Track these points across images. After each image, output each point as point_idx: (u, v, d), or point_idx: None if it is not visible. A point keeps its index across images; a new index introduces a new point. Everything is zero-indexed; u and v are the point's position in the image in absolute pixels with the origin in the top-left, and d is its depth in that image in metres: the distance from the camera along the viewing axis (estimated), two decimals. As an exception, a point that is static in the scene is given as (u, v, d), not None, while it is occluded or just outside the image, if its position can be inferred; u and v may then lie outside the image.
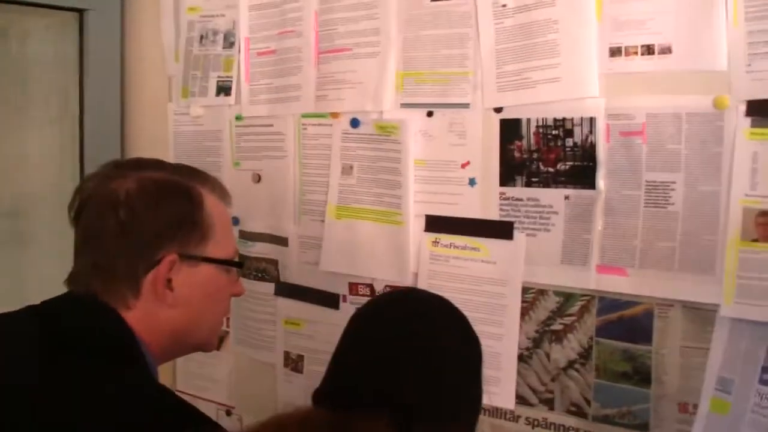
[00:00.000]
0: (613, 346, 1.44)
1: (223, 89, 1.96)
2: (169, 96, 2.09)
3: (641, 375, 1.42)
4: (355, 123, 1.73)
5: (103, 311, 1.14)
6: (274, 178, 1.89)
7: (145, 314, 1.16)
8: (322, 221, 1.79)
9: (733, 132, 1.31)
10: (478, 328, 1.46)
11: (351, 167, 1.75)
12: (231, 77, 1.95)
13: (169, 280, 1.16)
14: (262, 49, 1.90)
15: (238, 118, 1.94)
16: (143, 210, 1.15)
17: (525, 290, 1.54)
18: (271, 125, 1.88)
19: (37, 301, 1.18)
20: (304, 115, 1.83)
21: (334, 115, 1.77)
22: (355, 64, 1.73)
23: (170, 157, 2.06)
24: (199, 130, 2.02)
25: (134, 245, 1.14)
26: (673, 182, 1.37)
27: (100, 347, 1.10)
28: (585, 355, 1.48)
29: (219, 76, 1.97)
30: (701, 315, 1.36)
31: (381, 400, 0.97)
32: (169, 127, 2.07)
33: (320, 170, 1.81)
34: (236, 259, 1.28)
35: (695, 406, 1.36)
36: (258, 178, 1.91)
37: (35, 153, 2.17)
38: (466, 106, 1.58)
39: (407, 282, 1.68)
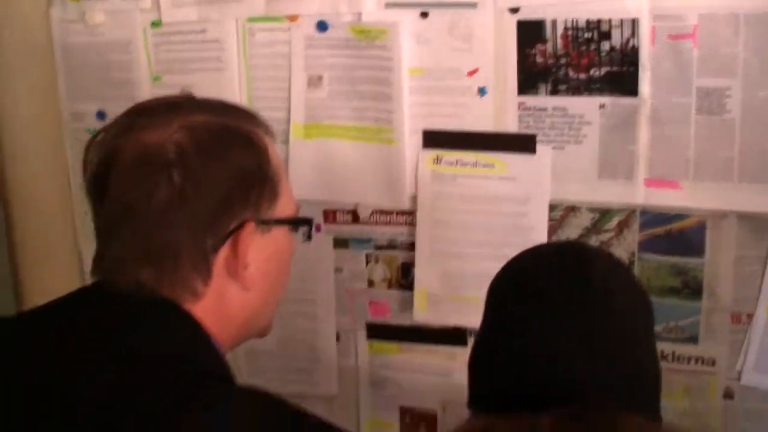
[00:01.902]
0: (660, 261, 1.43)
1: (133, -12, 1.67)
2: (48, -1, 1.74)
3: (691, 289, 1.43)
4: (322, 26, 1.54)
5: (171, 313, 0.94)
6: (211, 95, 1.63)
7: (215, 303, 0.97)
8: (284, 143, 1.61)
9: (799, 33, 1.28)
10: (498, 251, 1.42)
11: (320, 78, 1.57)
12: (142, -27, 1.65)
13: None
14: (183, -64, 1.62)
15: (155, 24, 1.66)
16: (205, 168, 0.93)
17: (552, 208, 1.48)
18: (204, 31, 1.63)
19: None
20: (251, 19, 1.59)
21: (292, 18, 1.56)
22: (319, -44, 1.52)
23: (60, 75, 1.75)
24: (100, 41, 1.71)
25: (199, 216, 0.93)
26: (729, 88, 1.33)
27: (177, 364, 0.90)
28: (625, 272, 1.45)
29: (126, -29, 1.66)
30: (757, 224, 1.37)
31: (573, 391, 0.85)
32: (54, 39, 1.74)
33: (276, 83, 1.61)
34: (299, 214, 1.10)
35: (749, 316, 1.40)
36: (189, 95, 1.66)
37: None
38: (472, 5, 1.44)
39: (403, 206, 1.56)
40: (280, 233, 1.03)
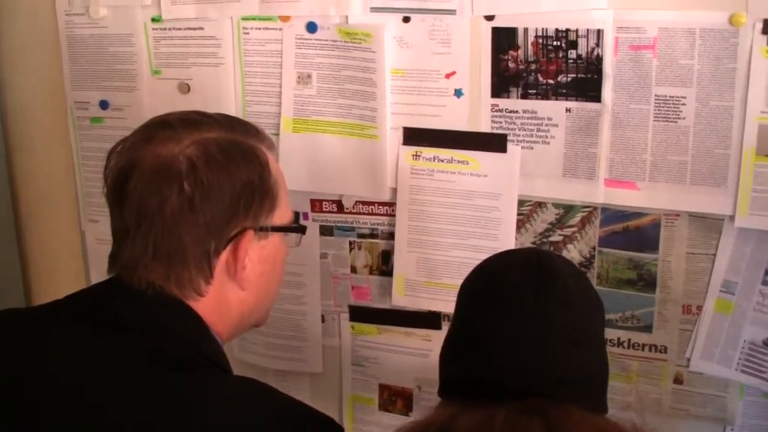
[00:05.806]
0: (618, 255, 1.60)
1: (135, -14, 1.83)
2: (53, -7, 1.90)
3: (646, 281, 1.59)
4: (312, 27, 1.70)
5: (178, 310, 1.11)
6: (208, 89, 1.82)
7: (216, 301, 1.14)
8: (275, 135, 1.77)
9: (748, 49, 1.43)
10: (470, 242, 1.60)
11: (309, 76, 1.73)
12: (143, -29, 1.82)
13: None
14: (181, -62, 1.78)
15: (156, 19, 1.82)
16: (213, 181, 1.08)
17: (521, 203, 1.64)
18: (202, 28, 1.79)
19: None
20: (245, 18, 1.75)
21: (284, 18, 1.72)
22: (309, -39, 1.68)
23: (65, 65, 1.92)
24: (103, 33, 1.86)
25: (204, 223, 1.09)
26: (684, 97, 1.49)
27: (183, 356, 1.08)
28: (586, 264, 1.62)
29: (127, -30, 1.82)
30: (707, 224, 1.53)
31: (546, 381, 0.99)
32: (60, 30, 1.90)
33: (268, 79, 1.77)
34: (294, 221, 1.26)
35: (699, 308, 1.57)
36: (187, 89, 1.83)
37: None
38: (451, 12, 1.60)
39: (384, 198, 1.73)
40: (275, 238, 1.19)
